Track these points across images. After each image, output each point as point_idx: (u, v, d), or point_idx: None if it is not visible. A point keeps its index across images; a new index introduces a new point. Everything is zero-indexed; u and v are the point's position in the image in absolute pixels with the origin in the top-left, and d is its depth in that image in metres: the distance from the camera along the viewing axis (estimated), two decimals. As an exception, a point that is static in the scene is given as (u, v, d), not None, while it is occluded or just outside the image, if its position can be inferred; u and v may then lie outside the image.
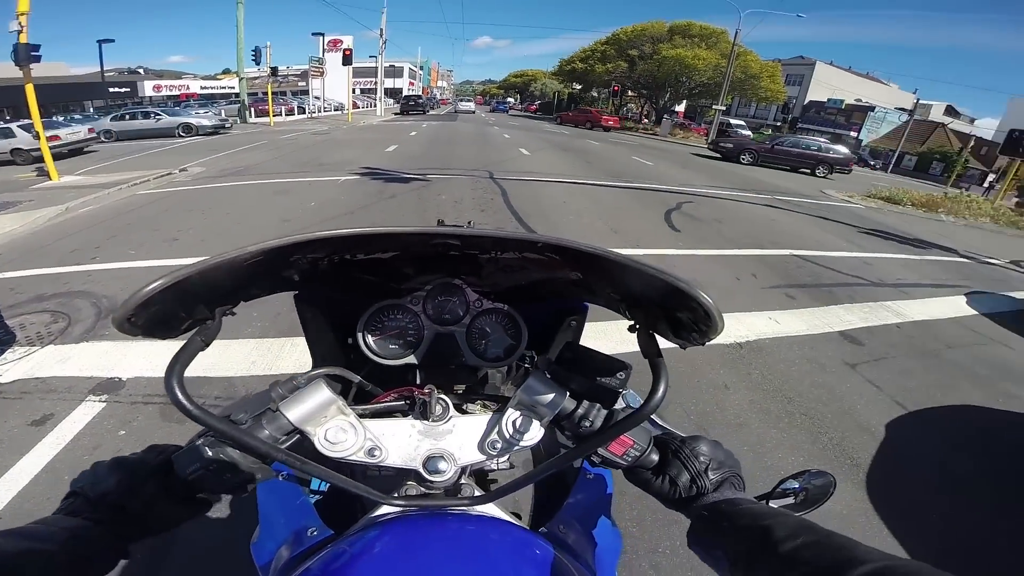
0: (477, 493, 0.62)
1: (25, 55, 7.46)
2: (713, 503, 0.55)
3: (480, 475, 0.82)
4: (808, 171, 17.83)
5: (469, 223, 0.79)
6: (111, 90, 35.74)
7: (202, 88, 42.55)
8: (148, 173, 8.76)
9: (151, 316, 0.45)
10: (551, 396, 0.58)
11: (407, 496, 0.59)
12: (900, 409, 3.03)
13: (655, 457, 0.61)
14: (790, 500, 0.66)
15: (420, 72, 71.96)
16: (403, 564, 0.48)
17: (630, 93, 42.30)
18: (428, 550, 0.50)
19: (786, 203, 10.24)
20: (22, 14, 7.27)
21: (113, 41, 30.70)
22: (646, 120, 41.55)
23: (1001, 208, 13.16)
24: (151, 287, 0.40)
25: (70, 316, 3.40)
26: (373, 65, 37.29)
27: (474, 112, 45.16)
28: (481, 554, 0.51)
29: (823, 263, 5.92)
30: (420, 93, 51.09)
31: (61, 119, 23.53)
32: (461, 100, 50.11)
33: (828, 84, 46.80)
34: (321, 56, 31.56)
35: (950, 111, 51.01)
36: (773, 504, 0.65)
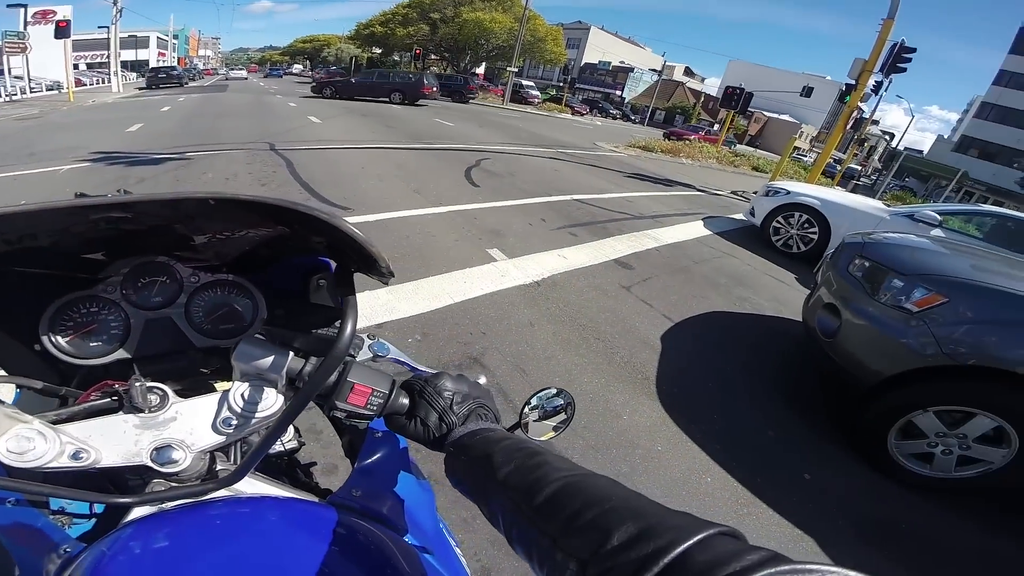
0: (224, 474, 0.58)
1: None
2: (459, 438, 0.56)
3: (271, 459, 0.79)
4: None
5: (120, 190, 0.68)
6: None
7: None
8: None
9: None
10: (270, 358, 0.56)
11: (147, 493, 0.54)
12: (669, 322, 3.60)
13: (404, 401, 0.61)
14: (553, 420, 0.70)
15: (174, 41, 60.54)
16: (161, 557, 0.46)
17: (432, 57, 41.79)
18: (185, 539, 0.47)
19: (568, 155, 11.48)
20: None
21: None
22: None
23: (722, 151, 16.80)
24: None
25: None
26: (105, 37, 29.96)
27: (247, 79, 42.87)
28: (246, 533, 0.49)
29: (597, 204, 6.85)
30: (175, 64, 42.87)
31: None
32: (232, 69, 44.87)
33: (600, 48, 52.61)
34: (22, 30, 24.16)
35: (688, 72, 61.93)
36: (539, 428, 0.70)
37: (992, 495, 2.28)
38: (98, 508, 0.66)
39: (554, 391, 0.72)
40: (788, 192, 6.25)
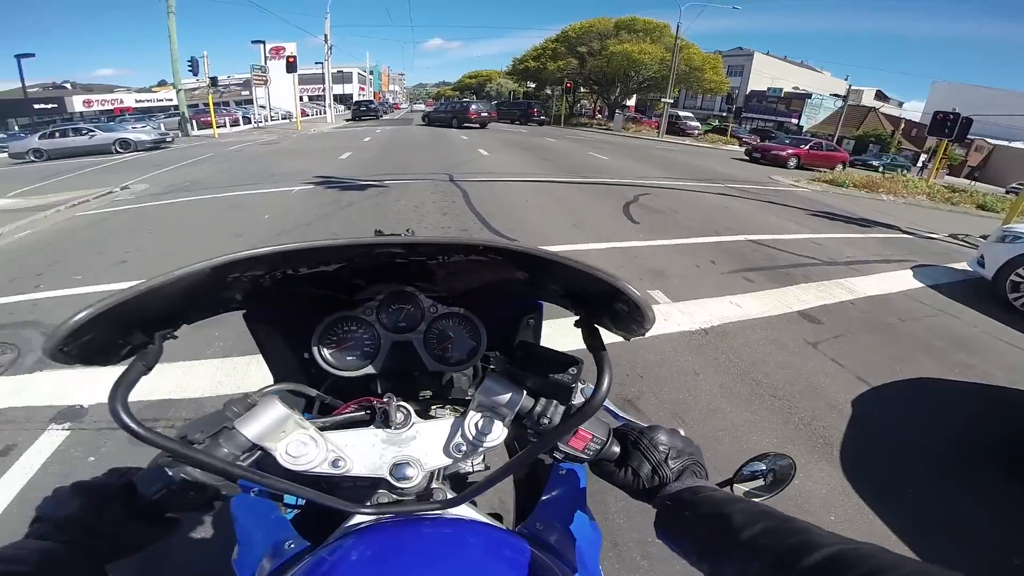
0: (449, 496, 0.63)
1: None
2: (676, 492, 0.56)
3: (458, 479, 0.82)
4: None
5: (408, 231, 0.80)
6: (36, 107, 33.70)
7: (137, 101, 40.52)
8: (87, 193, 8.26)
9: (85, 345, 0.44)
10: (508, 395, 0.59)
11: (377, 504, 0.60)
12: (863, 385, 3.12)
13: (616, 449, 0.62)
14: (754, 484, 0.67)
15: (370, 77, 70.76)
16: (376, 571, 0.49)
17: (582, 89, 42.82)
18: (401, 555, 0.51)
19: (737, 190, 10.67)
20: None
21: (33, 56, 28.58)
22: (599, 115, 42.25)
23: (935, 186, 14.12)
24: (78, 317, 0.40)
25: (19, 347, 3.19)
26: (320, 71, 36.40)
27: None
28: (454, 556, 0.52)
29: (776, 246, 6.17)
30: (372, 98, 50.28)
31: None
32: (414, 103, 50.88)
33: (767, 74, 48.85)
34: (263, 64, 30.55)
35: (880, 96, 54.18)
36: (739, 487, 0.67)
37: None
38: (300, 501, 0.74)
39: (772, 455, 0.69)
40: None
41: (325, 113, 33.01)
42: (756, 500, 0.66)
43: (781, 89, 45.71)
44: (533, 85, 47.03)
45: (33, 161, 15.46)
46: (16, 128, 28.73)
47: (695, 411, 2.69)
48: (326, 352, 0.80)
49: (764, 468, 0.68)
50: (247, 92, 40.30)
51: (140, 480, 0.52)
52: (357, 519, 0.58)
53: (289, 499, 0.75)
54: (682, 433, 0.65)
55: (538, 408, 0.60)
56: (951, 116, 13.52)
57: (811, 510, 2.09)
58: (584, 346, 0.60)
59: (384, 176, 9.14)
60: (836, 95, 42.50)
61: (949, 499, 2.23)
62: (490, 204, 7.13)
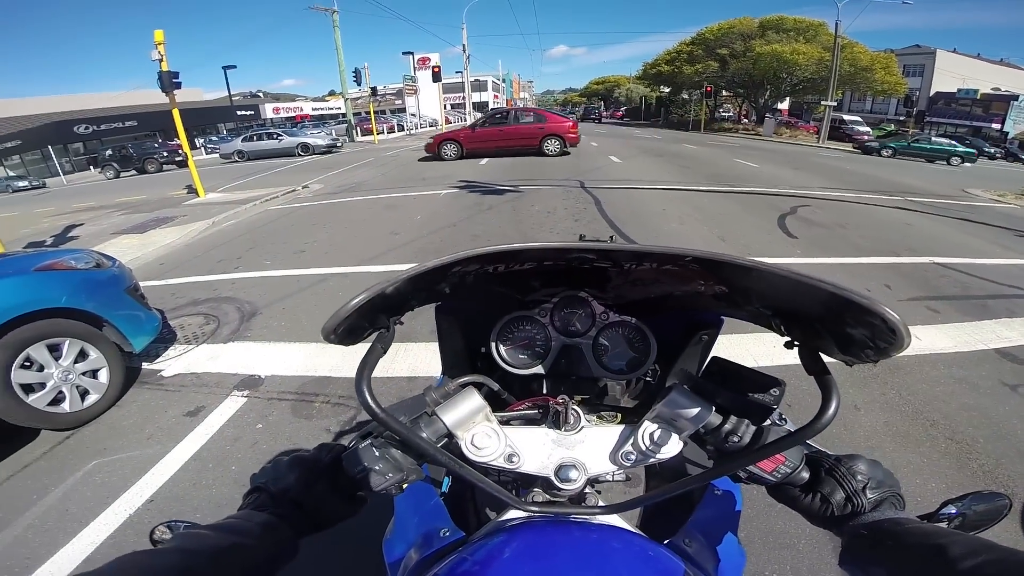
0: (602, 503, 0.62)
1: (168, 83, 8.46)
2: (874, 521, 0.53)
3: (592, 484, 0.81)
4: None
5: (611, 238, 0.79)
6: (238, 113, 39.71)
7: (313, 109, 46.84)
8: (276, 190, 9.78)
9: (347, 327, 0.50)
10: (696, 410, 0.57)
11: (538, 503, 0.60)
12: None
13: (805, 475, 0.59)
14: (945, 524, 0.59)
15: (503, 85, 73.68)
16: (532, 569, 0.49)
17: (725, 93, 40.27)
18: (556, 556, 0.51)
19: (921, 205, 9.03)
20: (159, 44, 8.17)
21: (235, 67, 34.18)
22: (745, 120, 39.27)
23: None
24: (354, 303, 0.45)
25: (219, 319, 3.84)
26: (459, 80, 38.78)
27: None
28: (608, 563, 0.51)
29: (972, 272, 5.10)
30: (505, 105, 52.35)
31: (200, 141, 26.99)
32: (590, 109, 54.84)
33: (955, 73, 41.13)
34: (413, 75, 33.38)
35: (1120, 91, 42.58)
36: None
37: None
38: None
39: (987, 492, 0.60)
40: None
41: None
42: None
43: (976, 90, 38.18)
44: (667, 90, 45.47)
45: (237, 161, 18.71)
46: (224, 132, 34.78)
47: (849, 448, 2.34)
48: (502, 348, 0.84)
49: (957, 510, 0.60)
50: (399, 101, 44.54)
51: (347, 458, 0.56)
52: (511, 515, 0.59)
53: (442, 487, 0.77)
54: (884, 466, 0.60)
55: (727, 426, 0.58)
56: None
57: None
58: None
59: (519, 182, 9.43)
60: (1055, 96, 34.45)
61: None
62: (623, 212, 6.94)
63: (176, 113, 8.90)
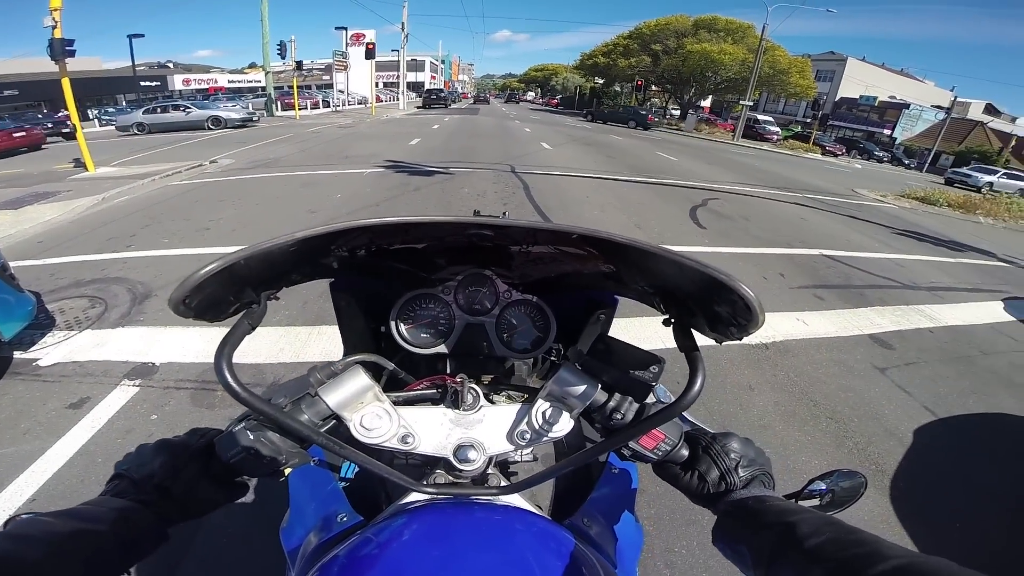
0: (503, 483, 0.62)
1: (60, 50, 7.57)
2: (740, 499, 0.55)
3: (502, 466, 0.82)
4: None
5: (504, 213, 0.80)
6: (142, 84, 36.38)
7: (230, 82, 43.49)
8: (180, 165, 8.98)
9: (204, 299, 0.46)
10: (583, 388, 0.58)
11: (437, 484, 0.59)
12: (930, 415, 2.94)
13: (685, 452, 0.61)
14: (817, 500, 0.65)
15: (441, 66, 72.22)
16: (431, 550, 0.49)
17: (654, 88, 41.70)
18: (456, 537, 0.51)
19: (816, 201, 9.99)
20: (55, 9, 7.35)
21: (143, 36, 31.29)
22: (670, 116, 41.02)
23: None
24: (205, 270, 0.41)
25: (107, 301, 3.50)
26: (395, 59, 37.60)
27: (489, 104, 52.37)
28: (507, 543, 0.52)
29: (854, 264, 5.76)
30: (442, 87, 51.38)
31: (94, 112, 24.24)
32: (480, 94, 58.06)
33: (860, 80, 45.30)
34: (344, 50, 31.85)
35: (990, 109, 48.96)
36: (801, 504, 0.64)
37: None
38: (348, 476, 0.75)
39: (846, 470, 0.66)
40: None
41: (398, 100, 34.02)
42: (833, 513, 0.65)
43: (875, 97, 42.26)
44: (601, 81, 46.37)
45: (136, 134, 16.93)
46: (124, 103, 31.49)
47: (744, 426, 2.61)
48: (403, 327, 0.82)
49: (825, 487, 0.65)
50: (327, 77, 42.31)
51: (220, 442, 0.53)
52: (411, 498, 0.58)
53: (342, 471, 0.77)
54: (756, 444, 0.64)
55: (611, 403, 0.59)
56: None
57: None
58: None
59: (450, 164, 9.32)
60: (939, 107, 38.93)
61: (996, 541, 2.08)
62: (550, 198, 7.08)
63: (66, 82, 7.95)
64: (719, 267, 0.46)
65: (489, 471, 0.64)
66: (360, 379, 0.55)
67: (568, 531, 0.56)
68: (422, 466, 0.68)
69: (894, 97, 43.13)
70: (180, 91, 37.78)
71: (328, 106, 29.00)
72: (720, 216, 7.30)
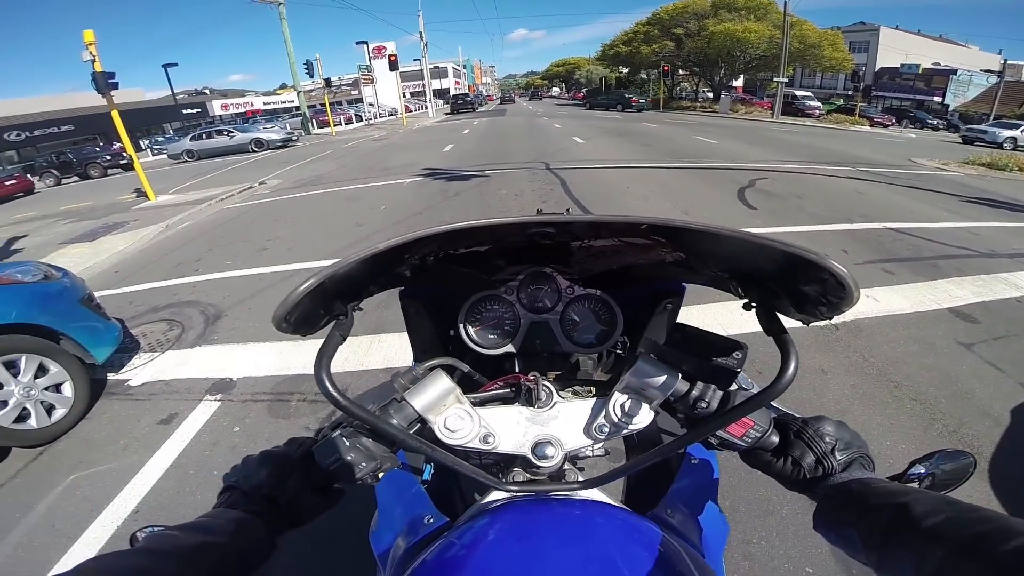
0: (581, 478, 0.62)
1: (103, 83, 7.90)
2: (843, 483, 0.54)
3: (571, 462, 0.83)
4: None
5: (567, 210, 0.80)
6: (184, 111, 37.90)
7: (264, 104, 45.12)
8: (232, 188, 9.43)
9: (300, 315, 0.49)
10: (663, 378, 0.57)
11: (518, 482, 0.60)
12: None
13: (775, 439, 0.59)
14: (917, 484, 0.61)
15: (464, 71, 72.85)
16: (517, 549, 0.49)
17: (681, 72, 40.79)
18: (540, 534, 0.51)
19: (872, 174, 9.42)
20: (90, 44, 7.63)
21: (177, 65, 32.61)
22: (704, 98, 39.99)
23: None
24: (302, 288, 0.44)
25: (183, 324, 3.71)
26: (418, 68, 38.14)
27: (515, 103, 53.96)
28: (591, 537, 0.51)
29: (922, 235, 5.38)
30: (467, 91, 51.89)
31: (146, 142, 25.65)
32: (505, 94, 60.07)
33: (899, 49, 42.88)
34: (368, 64, 32.55)
35: (1049, 69, 45.25)
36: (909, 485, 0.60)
37: None
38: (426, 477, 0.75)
39: (952, 450, 0.63)
40: None
41: (426, 108, 34.51)
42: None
43: (918, 65, 39.90)
44: (626, 70, 45.84)
45: (187, 161, 17.89)
46: (171, 132, 33.20)
47: (820, 412, 2.44)
48: (471, 329, 0.83)
49: (925, 470, 0.62)
50: (356, 91, 43.38)
51: (318, 451, 0.55)
52: (492, 496, 0.59)
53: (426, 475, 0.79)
54: (850, 426, 0.61)
55: (695, 392, 0.58)
56: None
57: None
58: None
59: (484, 166, 9.38)
60: (989, 71, 36.33)
61: None
62: (589, 192, 7.01)
63: (115, 114, 8.40)
64: (804, 246, 0.44)
65: (566, 467, 0.63)
66: (443, 382, 0.56)
67: (653, 522, 0.56)
68: (496, 464, 0.68)
69: (938, 64, 40.62)
70: (220, 116, 39.32)
71: (361, 120, 29.74)
72: (770, 196, 7.01)
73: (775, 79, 28.07)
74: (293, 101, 32.24)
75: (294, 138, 19.95)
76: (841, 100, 36.44)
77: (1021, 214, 6.88)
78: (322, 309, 0.55)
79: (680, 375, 0.58)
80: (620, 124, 20.12)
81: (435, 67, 59.00)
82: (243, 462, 0.57)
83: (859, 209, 6.45)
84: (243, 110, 42.38)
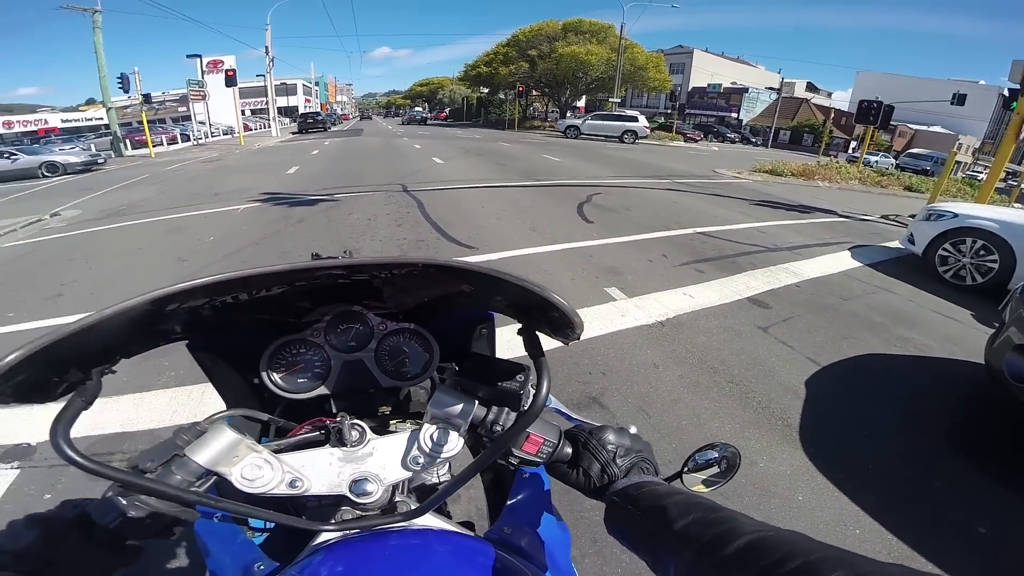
0: (412, 508, 0.64)
1: None
2: (622, 489, 0.58)
3: (424, 490, 0.83)
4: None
5: (346, 252, 0.80)
6: (-55, 132, 30.81)
7: (63, 121, 38.10)
8: (13, 221, 7.69)
9: (20, 384, 0.45)
10: (460, 406, 0.61)
11: (341, 521, 0.61)
12: (814, 365, 3.26)
13: (568, 451, 0.65)
14: (706, 473, 0.70)
15: (316, 88, 69.13)
16: None
17: (534, 92, 43.25)
18: (367, 567, 0.52)
19: (685, 185, 11.09)
20: None
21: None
22: (550, 116, 42.83)
23: (865, 171, 15.11)
24: (8, 359, 0.41)
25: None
26: (262, 84, 35.32)
27: (372, 120, 52.11)
28: (419, 564, 0.54)
29: (724, 236, 6.45)
30: (319, 109, 49.20)
31: None
32: (364, 113, 54.65)
33: (706, 70, 50.71)
34: (200, 79, 29.25)
35: (810, 87, 57.27)
36: (690, 478, 0.70)
37: None
38: (269, 525, 0.75)
39: (719, 445, 0.72)
40: (955, 215, 5.33)
41: (269, 127, 31.96)
42: (710, 489, 0.70)
43: (720, 85, 47.52)
44: (486, 90, 47.17)
45: (-53, 191, 14.26)
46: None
47: (658, 403, 2.75)
48: (275, 376, 0.80)
49: (713, 457, 0.71)
50: (184, 108, 38.57)
51: (94, 510, 0.51)
52: (324, 536, 0.59)
53: (257, 523, 0.74)
54: (632, 431, 0.68)
55: (490, 416, 0.63)
56: (875, 104, 14.51)
57: (779, 492, 2.16)
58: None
59: (334, 189, 8.93)
60: (771, 88, 44.71)
61: (902, 471, 2.35)
62: (446, 213, 7.09)
63: None
64: (534, 281, 0.51)
65: (398, 499, 0.66)
66: (226, 435, 0.55)
67: (488, 543, 0.59)
68: (336, 507, 0.68)
69: (735, 83, 48.68)
70: (1, 136, 32.46)
71: (188, 140, 26.39)
72: (605, 209, 7.80)
73: (610, 99, 31.18)
74: (103, 119, 27.60)
75: (100, 160, 16.99)
76: (662, 118, 41.78)
77: (795, 212, 8.58)
78: (55, 376, 0.50)
79: (477, 401, 0.62)
80: (478, 144, 20.74)
81: (282, 83, 54.92)
82: (8, 526, 0.51)
83: (675, 217, 7.47)
84: (34, 128, 35.36)
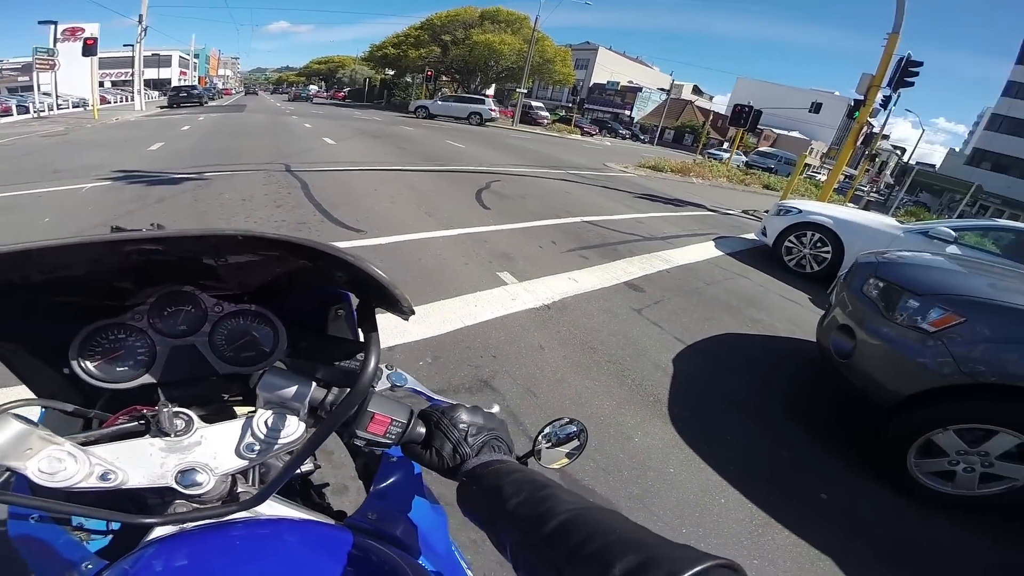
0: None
1: None
2: (471, 469, 0.58)
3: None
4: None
5: (153, 225, 0.72)
6: None
7: None
8: None
9: None
10: (294, 388, 0.59)
11: (171, 514, 0.56)
12: (680, 344, 3.56)
13: (421, 431, 0.64)
14: (565, 448, 0.72)
15: (195, 61, 62.39)
16: None
17: (444, 78, 42.68)
18: (207, 560, 0.50)
19: (577, 176, 11.61)
20: None
21: None
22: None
23: (732, 170, 16.88)
24: None
25: None
26: (131, 55, 31.09)
27: (258, 96, 51.02)
28: (265, 554, 0.51)
29: (607, 225, 6.85)
30: (195, 83, 44.35)
31: None
32: (249, 88, 50.85)
33: (608, 68, 53.26)
34: (52, 47, 24.98)
35: (696, 90, 62.47)
36: (554, 455, 0.71)
37: (1014, 512, 2.23)
38: (115, 525, 0.68)
39: (566, 420, 0.74)
40: (800, 211, 6.20)
41: (133, 100, 28.20)
42: (571, 460, 0.72)
43: (618, 83, 50.15)
44: (392, 72, 45.86)
45: None
46: None
47: (545, 384, 2.83)
48: (89, 365, 0.72)
49: (552, 435, 0.72)
50: (26, 78, 32.77)
51: None
52: (158, 532, 0.55)
53: (98, 524, 0.67)
54: (490, 410, 0.67)
55: (330, 397, 0.60)
56: (747, 109, 16.18)
57: (654, 465, 2.29)
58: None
59: (205, 168, 8.03)
60: (662, 89, 48.02)
61: (757, 442, 2.60)
62: (334, 195, 6.68)
63: None
64: (355, 254, 0.49)
65: (241, 489, 0.61)
66: (11, 427, 0.49)
67: (346, 530, 0.56)
68: (170, 500, 0.61)
69: (631, 82, 51.63)
70: None
71: (27, 112, 22.38)
72: (502, 196, 7.89)
73: (518, 90, 31.61)
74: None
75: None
76: (564, 111, 43.29)
77: (671, 206, 9.35)
78: None
79: (315, 383, 0.59)
80: (378, 126, 19.86)
81: (154, 54, 50.08)
82: None
83: (566, 206, 7.78)
84: None
